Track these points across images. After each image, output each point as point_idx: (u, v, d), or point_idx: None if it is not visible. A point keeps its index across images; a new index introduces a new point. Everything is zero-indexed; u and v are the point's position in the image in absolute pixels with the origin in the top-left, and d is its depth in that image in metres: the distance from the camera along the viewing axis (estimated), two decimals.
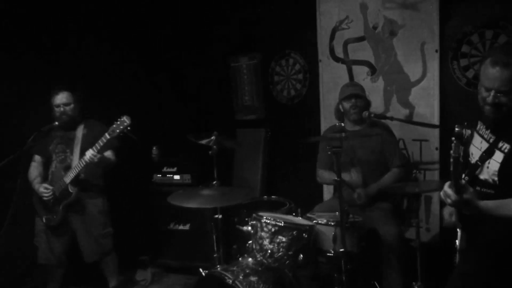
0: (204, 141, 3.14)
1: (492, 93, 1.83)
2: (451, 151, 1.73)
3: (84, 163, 3.08)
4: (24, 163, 3.30)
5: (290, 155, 4.32)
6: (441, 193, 1.85)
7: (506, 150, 1.87)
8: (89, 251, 3.35)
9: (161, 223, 4.00)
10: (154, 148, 4.18)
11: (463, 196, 1.75)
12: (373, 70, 3.63)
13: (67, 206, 3.22)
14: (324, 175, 3.33)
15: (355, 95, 3.13)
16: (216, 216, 3.19)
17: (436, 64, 3.28)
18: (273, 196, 3.58)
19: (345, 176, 3.05)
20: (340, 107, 3.23)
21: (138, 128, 4.06)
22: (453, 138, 1.70)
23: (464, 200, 1.75)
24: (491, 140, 1.96)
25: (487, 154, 1.94)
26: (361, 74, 3.70)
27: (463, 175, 2.00)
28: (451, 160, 1.71)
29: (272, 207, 3.26)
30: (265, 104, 4.50)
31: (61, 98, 3.23)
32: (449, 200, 1.79)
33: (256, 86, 4.52)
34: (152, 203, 3.99)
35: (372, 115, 2.97)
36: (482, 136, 2.02)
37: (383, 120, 3.10)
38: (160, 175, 4.10)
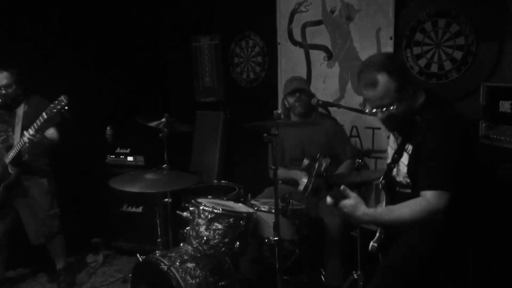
0: (154, 123, 3.07)
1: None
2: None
3: (23, 143, 2.98)
4: None
5: (248, 139, 4.25)
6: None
7: (410, 152, 1.85)
8: (35, 233, 3.28)
9: (114, 205, 3.92)
10: (108, 128, 4.09)
11: (341, 204, 1.70)
12: (329, 55, 3.56)
13: (7, 187, 3.12)
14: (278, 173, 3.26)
15: (298, 89, 3.09)
16: (166, 200, 3.15)
17: (390, 52, 3.22)
18: (223, 181, 3.55)
19: (296, 174, 3.04)
20: (286, 102, 3.18)
21: (92, 108, 3.96)
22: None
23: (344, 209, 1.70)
24: (399, 141, 1.95)
25: (398, 156, 1.91)
26: (318, 59, 3.63)
27: (381, 178, 1.96)
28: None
29: (224, 192, 3.22)
30: (225, 87, 4.42)
31: (0, 79, 3.07)
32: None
33: (217, 68, 4.43)
34: (105, 184, 3.90)
35: (320, 102, 2.93)
36: (394, 135, 2.01)
37: (330, 108, 3.06)
38: (113, 156, 4.01)
